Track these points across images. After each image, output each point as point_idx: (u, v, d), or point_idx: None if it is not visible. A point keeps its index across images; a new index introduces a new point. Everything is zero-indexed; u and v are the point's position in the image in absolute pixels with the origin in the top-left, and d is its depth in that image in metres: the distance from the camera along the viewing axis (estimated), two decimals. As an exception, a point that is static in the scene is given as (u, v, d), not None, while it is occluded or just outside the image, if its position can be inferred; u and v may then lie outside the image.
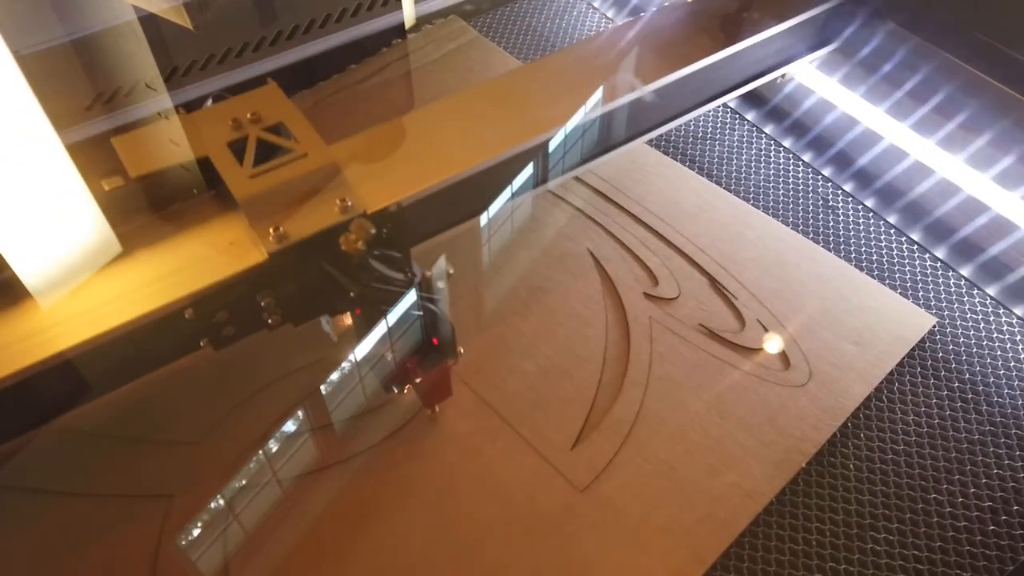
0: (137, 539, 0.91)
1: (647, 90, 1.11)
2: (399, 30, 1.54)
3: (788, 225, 1.27)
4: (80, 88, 1.17)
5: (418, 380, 0.97)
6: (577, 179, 1.31)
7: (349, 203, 0.84)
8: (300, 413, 1.02)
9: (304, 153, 0.86)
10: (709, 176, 1.35)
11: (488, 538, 0.93)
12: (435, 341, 0.92)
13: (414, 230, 0.96)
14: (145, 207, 0.89)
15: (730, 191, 1.32)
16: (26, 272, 0.79)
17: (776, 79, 1.36)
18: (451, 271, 0.90)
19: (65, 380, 0.80)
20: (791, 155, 1.39)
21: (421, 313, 0.89)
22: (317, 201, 0.85)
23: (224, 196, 0.87)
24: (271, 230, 0.82)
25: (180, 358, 0.86)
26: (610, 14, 1.65)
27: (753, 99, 1.46)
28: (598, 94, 1.08)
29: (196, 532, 0.92)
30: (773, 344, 1.12)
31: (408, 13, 1.47)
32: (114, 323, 0.78)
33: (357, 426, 1.01)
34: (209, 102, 0.95)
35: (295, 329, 1.08)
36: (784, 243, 1.24)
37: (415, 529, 0.93)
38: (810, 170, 1.36)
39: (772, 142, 1.41)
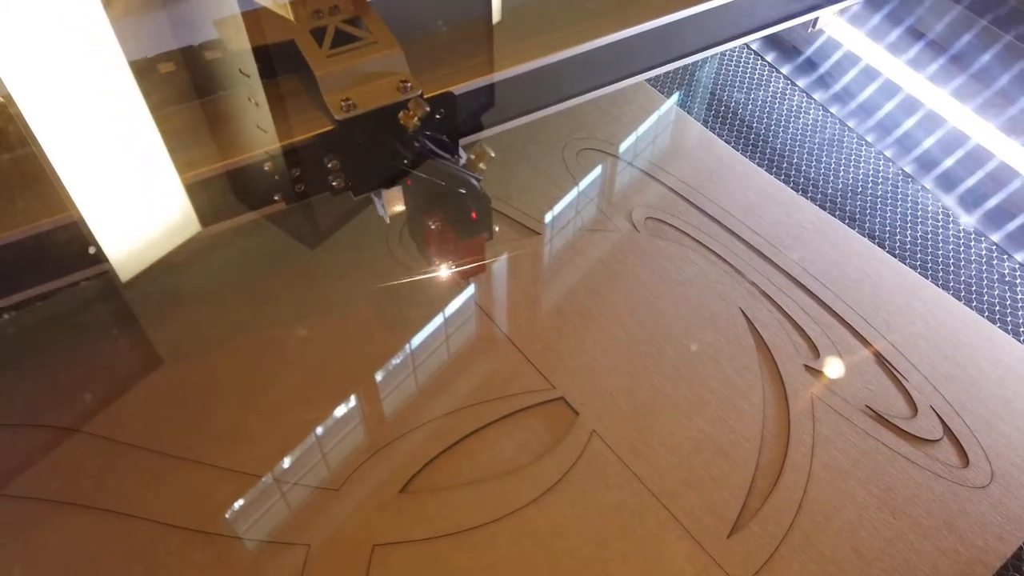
0: (273, 590, 0.88)
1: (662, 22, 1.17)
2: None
3: (960, 300, 1.17)
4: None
5: (456, 249, 1.04)
6: (730, 232, 1.23)
7: (409, 84, 0.95)
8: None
9: (375, 41, 0.97)
10: (871, 237, 1.25)
11: (640, 630, 0.86)
12: (474, 215, 0.99)
13: (467, 119, 1.09)
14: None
15: (894, 255, 1.22)
16: (112, 249, 0.92)
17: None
18: (492, 154, 1.00)
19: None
20: (952, 215, 1.28)
21: (464, 191, 0.97)
22: (382, 82, 0.96)
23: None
24: (342, 101, 0.92)
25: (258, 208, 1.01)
26: (771, 60, 1.56)
27: (907, 146, 1.36)
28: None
29: (332, 588, 0.88)
30: (950, 437, 1.02)
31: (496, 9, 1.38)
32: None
33: (496, 490, 0.96)
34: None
35: (438, 376, 1.04)
36: (958, 320, 1.14)
37: (560, 610, 0.87)
38: (980, 238, 1.25)
39: (930, 195, 1.30)
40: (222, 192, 0.96)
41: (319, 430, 1.00)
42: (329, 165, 0.98)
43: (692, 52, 1.28)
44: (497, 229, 1.07)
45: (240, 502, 0.94)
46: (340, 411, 1.02)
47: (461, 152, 1.02)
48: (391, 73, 0.96)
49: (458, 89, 1.03)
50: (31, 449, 0.98)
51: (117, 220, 0.92)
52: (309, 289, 1.15)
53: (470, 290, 1.16)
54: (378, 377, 1.06)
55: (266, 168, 0.95)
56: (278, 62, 1.00)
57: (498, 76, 1.08)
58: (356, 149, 0.97)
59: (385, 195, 1.05)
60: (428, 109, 0.96)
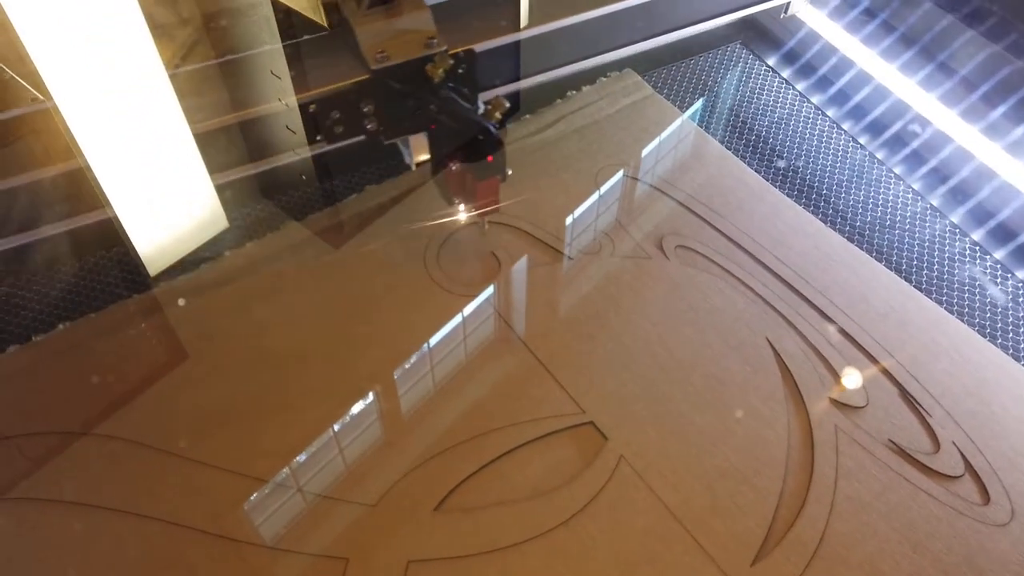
0: (312, 601, 0.92)
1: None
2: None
3: (986, 336, 1.19)
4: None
5: (473, 190, 1.16)
6: (758, 262, 1.26)
7: (435, 40, 1.09)
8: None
9: (406, 2, 1.10)
10: (898, 271, 1.27)
11: (664, 653, 0.89)
12: (489, 159, 1.11)
13: (488, 74, 1.28)
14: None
15: (920, 290, 1.24)
16: (142, 244, 1.12)
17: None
18: (507, 105, 1.13)
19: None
20: (980, 249, 1.29)
21: (482, 137, 1.10)
22: (412, 38, 1.09)
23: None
24: (377, 54, 1.06)
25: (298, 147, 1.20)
26: (802, 89, 1.59)
27: (934, 180, 1.38)
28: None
29: (369, 601, 0.92)
30: (971, 473, 1.04)
31: (524, 15, 1.46)
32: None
33: (527, 511, 0.99)
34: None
35: (470, 397, 1.08)
36: (983, 356, 1.16)
37: (587, 631, 0.90)
38: (1007, 275, 1.27)
39: (957, 230, 1.32)
40: (272, 132, 1.18)
41: (357, 446, 1.04)
42: (365, 110, 1.11)
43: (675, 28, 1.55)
44: (510, 172, 1.16)
45: (281, 514, 0.98)
46: (378, 428, 1.06)
47: (480, 104, 1.16)
48: (420, 30, 1.09)
49: (479, 46, 1.20)
50: (77, 456, 1.02)
51: (147, 215, 1.07)
52: (344, 307, 1.19)
53: (503, 312, 1.19)
54: (413, 397, 1.09)
55: (311, 110, 1.11)
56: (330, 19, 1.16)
57: (514, 37, 1.30)
58: (388, 96, 1.10)
59: (412, 144, 1.17)
60: (452, 62, 1.09)
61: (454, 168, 1.14)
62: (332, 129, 1.12)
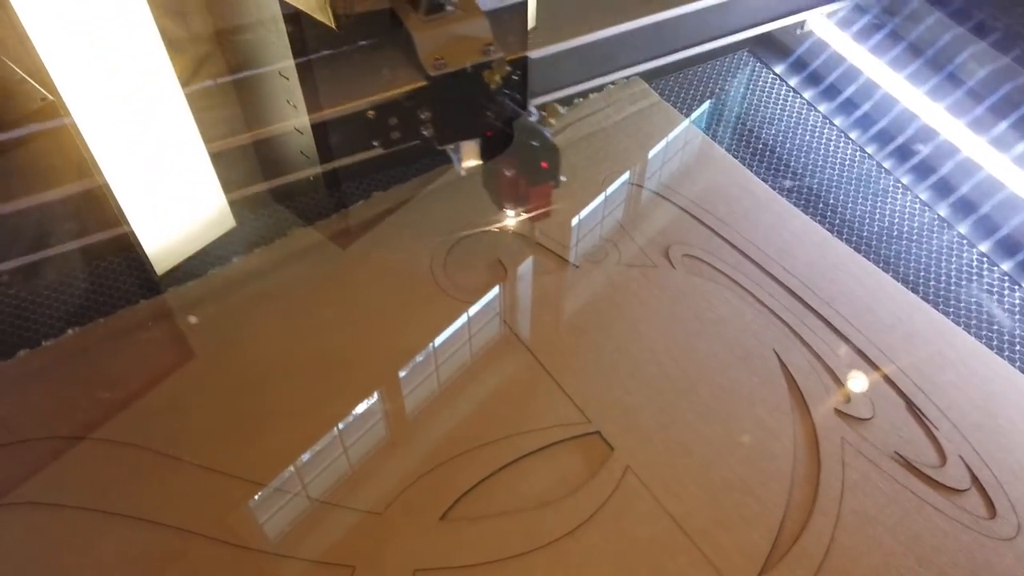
0: (318, 609, 0.92)
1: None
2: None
3: (993, 349, 1.19)
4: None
5: (526, 195, 1.18)
6: (765, 271, 1.26)
7: (492, 47, 1.09)
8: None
9: (462, 9, 1.10)
10: (905, 281, 1.27)
11: (669, 665, 0.89)
12: (544, 164, 1.12)
13: (540, 80, 1.33)
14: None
15: (927, 301, 1.24)
16: (150, 244, 1.13)
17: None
18: (563, 111, 1.19)
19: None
20: (987, 261, 1.29)
21: (536, 144, 1.12)
22: (469, 45, 1.09)
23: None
24: (435, 60, 1.06)
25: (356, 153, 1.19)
26: (809, 98, 1.59)
27: (943, 191, 1.38)
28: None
29: (374, 610, 0.92)
30: (977, 487, 1.04)
31: (531, 13, 1.46)
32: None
33: (533, 520, 1.00)
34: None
35: (477, 406, 1.08)
36: (990, 369, 1.16)
37: (592, 641, 0.91)
38: (1014, 287, 1.27)
39: (964, 241, 1.32)
40: (327, 138, 1.18)
41: (364, 453, 1.05)
42: (422, 116, 1.11)
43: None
44: (564, 179, 1.17)
45: (287, 521, 0.98)
46: (384, 435, 1.07)
47: (532, 109, 1.17)
48: (476, 38, 1.09)
49: (533, 54, 1.20)
50: (83, 460, 1.03)
51: (152, 213, 1.08)
52: (351, 314, 1.19)
53: (509, 320, 1.20)
54: (421, 406, 1.10)
55: (369, 116, 1.10)
56: (377, 27, 1.15)
57: (563, 46, 1.34)
58: (446, 102, 1.10)
59: (463, 150, 1.17)
60: (509, 69, 1.09)
61: (508, 174, 1.15)
62: (389, 136, 1.13)
